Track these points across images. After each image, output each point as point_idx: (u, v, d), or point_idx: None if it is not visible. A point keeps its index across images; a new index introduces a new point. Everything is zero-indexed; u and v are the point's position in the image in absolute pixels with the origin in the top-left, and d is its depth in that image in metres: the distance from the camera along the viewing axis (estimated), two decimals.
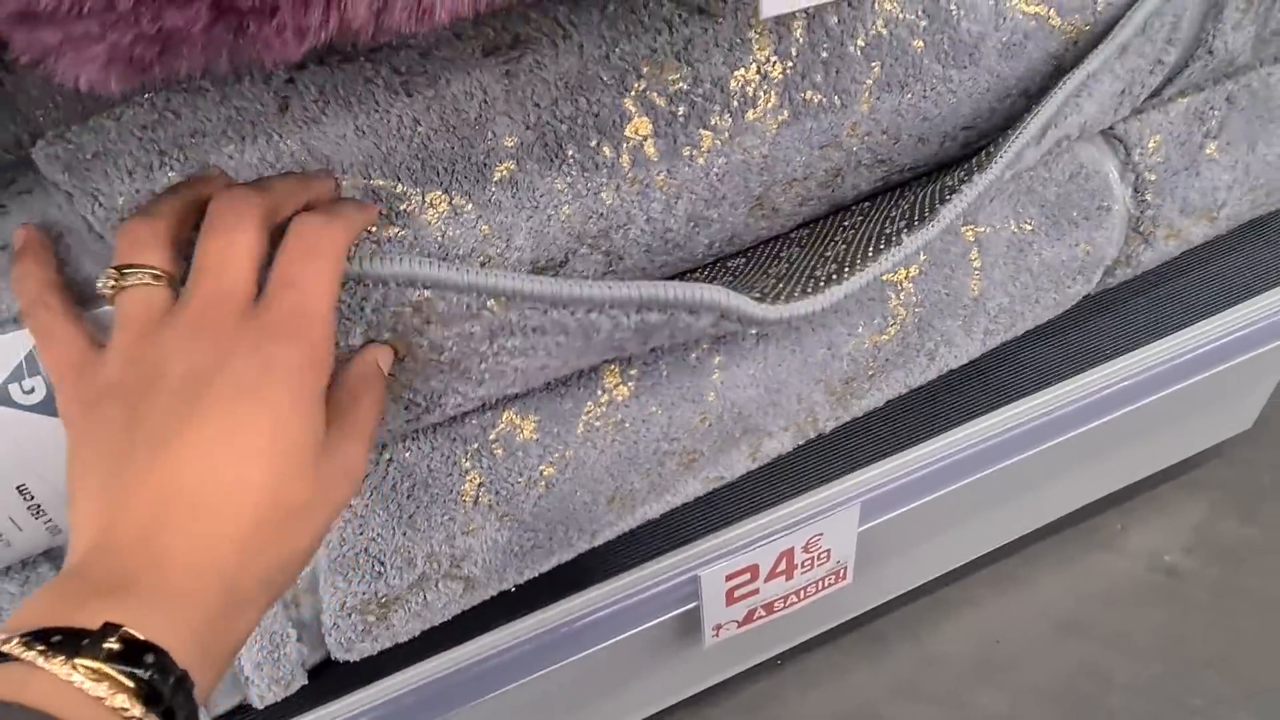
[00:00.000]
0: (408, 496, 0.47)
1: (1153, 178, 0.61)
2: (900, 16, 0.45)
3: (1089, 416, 0.69)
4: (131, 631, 0.25)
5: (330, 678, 0.53)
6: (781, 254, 0.52)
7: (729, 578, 0.59)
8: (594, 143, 0.41)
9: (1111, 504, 0.85)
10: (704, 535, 0.58)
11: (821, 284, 0.46)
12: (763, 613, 0.63)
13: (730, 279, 0.50)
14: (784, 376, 0.53)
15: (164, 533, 0.28)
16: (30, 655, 0.24)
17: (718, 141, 0.43)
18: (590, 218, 0.42)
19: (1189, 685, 0.74)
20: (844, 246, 0.50)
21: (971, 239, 0.56)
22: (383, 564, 0.47)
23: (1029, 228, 0.58)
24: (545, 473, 0.49)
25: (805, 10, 0.43)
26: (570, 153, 0.40)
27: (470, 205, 0.39)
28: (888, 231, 0.49)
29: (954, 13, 0.46)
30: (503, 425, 0.47)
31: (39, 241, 0.37)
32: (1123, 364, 0.68)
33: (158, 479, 0.29)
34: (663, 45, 0.41)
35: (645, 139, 0.42)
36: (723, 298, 0.42)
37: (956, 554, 0.79)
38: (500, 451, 0.48)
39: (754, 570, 0.59)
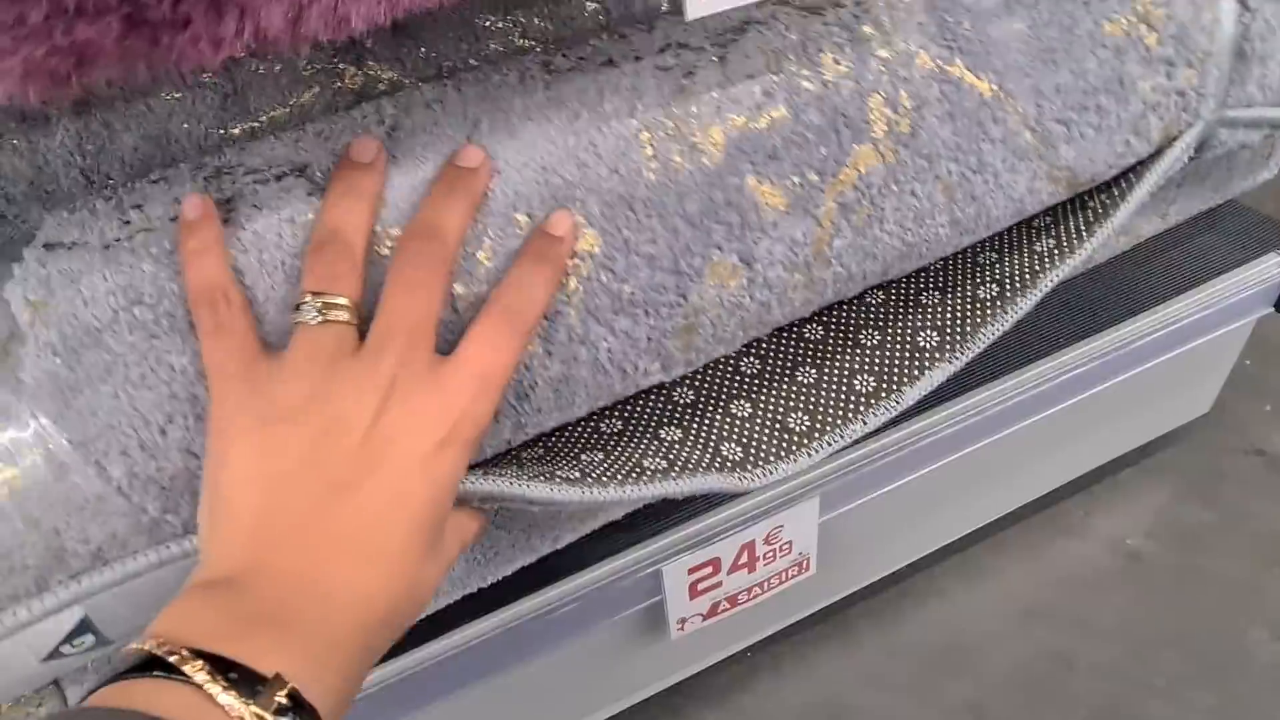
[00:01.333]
0: None
1: None
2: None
3: (1047, 403, 0.70)
4: (299, 690, 0.27)
5: None
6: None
7: (691, 571, 0.59)
8: None
9: (1075, 490, 0.86)
10: (665, 530, 0.59)
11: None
12: (727, 605, 0.63)
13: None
14: None
15: (334, 573, 0.30)
16: (211, 686, 0.25)
17: None
18: None
19: (1151, 666, 0.76)
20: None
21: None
22: None
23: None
24: None
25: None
26: None
27: None
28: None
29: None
30: None
31: (213, 216, 0.35)
32: (1078, 351, 0.68)
33: (335, 520, 0.30)
34: None
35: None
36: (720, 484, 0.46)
37: (922, 543, 0.80)
38: None
39: (716, 564, 0.60)
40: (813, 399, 0.51)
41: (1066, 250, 0.51)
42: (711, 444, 0.49)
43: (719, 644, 0.74)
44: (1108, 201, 0.52)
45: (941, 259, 0.54)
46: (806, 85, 0.43)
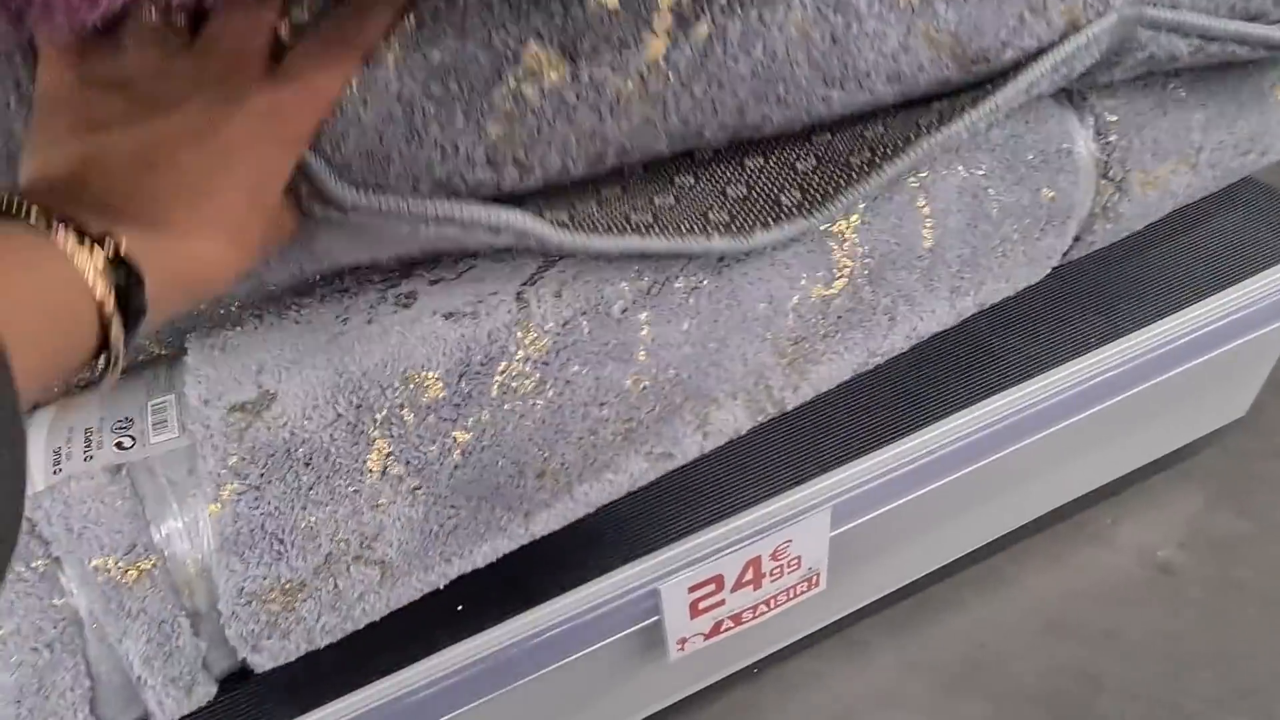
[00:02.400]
0: (305, 464, 0.43)
1: (1114, 118, 0.57)
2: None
3: (1074, 409, 0.66)
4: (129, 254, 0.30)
5: (262, 710, 0.49)
6: (675, 179, 0.49)
7: (692, 589, 0.55)
8: None
9: (1101, 497, 0.81)
10: (664, 545, 0.55)
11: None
12: (730, 624, 0.59)
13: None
14: (722, 333, 0.50)
15: (168, 164, 0.32)
16: (46, 231, 0.28)
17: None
18: None
19: (1183, 687, 0.71)
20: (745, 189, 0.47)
21: (915, 184, 0.53)
22: (281, 541, 0.43)
23: (981, 172, 0.54)
24: (459, 439, 0.45)
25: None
26: None
27: None
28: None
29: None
30: (410, 387, 0.44)
31: None
32: (1109, 353, 0.64)
33: (173, 131, 0.33)
34: None
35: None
36: (521, 222, 0.43)
37: (939, 554, 0.75)
38: (409, 416, 0.44)
39: (719, 581, 0.56)
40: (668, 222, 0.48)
41: (946, 119, 0.48)
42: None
43: (723, 662, 0.70)
44: (1001, 83, 0.49)
45: (827, 131, 0.50)
46: None
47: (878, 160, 0.49)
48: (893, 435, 0.60)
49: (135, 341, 0.32)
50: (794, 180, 0.49)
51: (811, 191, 0.49)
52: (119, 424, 0.45)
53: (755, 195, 0.49)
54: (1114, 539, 0.80)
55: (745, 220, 0.48)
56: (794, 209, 0.48)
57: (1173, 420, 0.78)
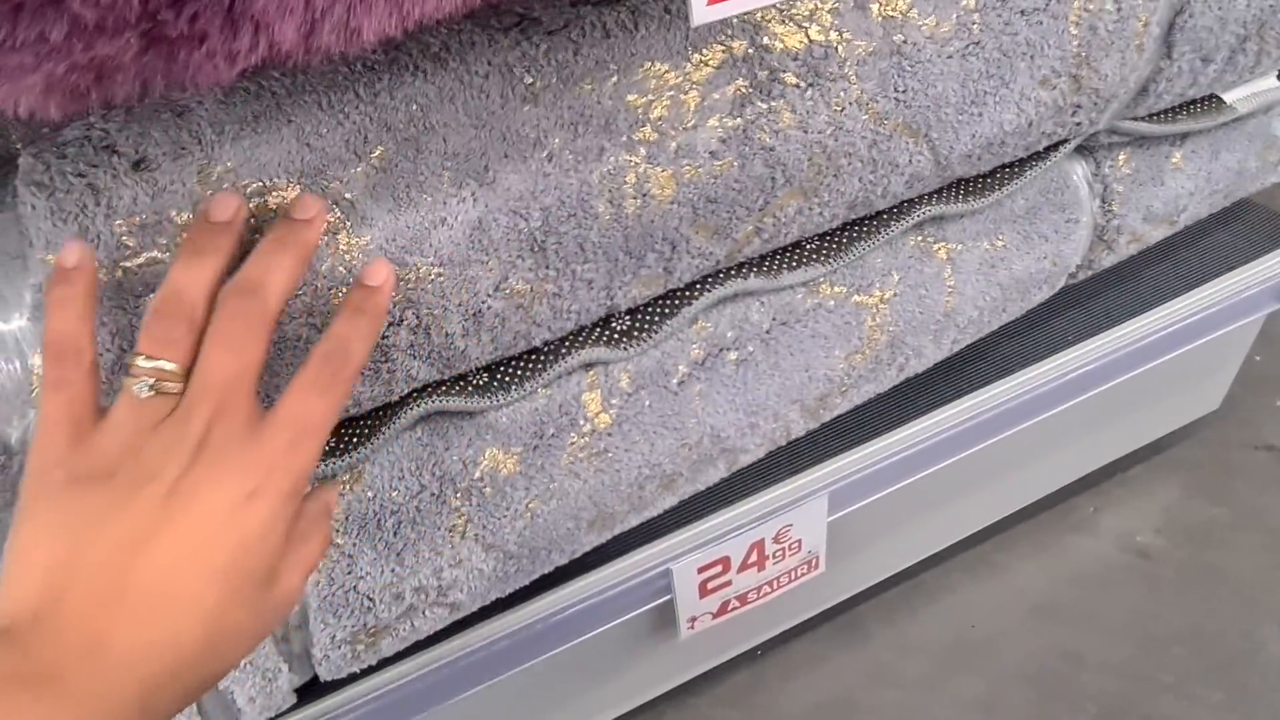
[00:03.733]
0: (395, 534, 0.47)
1: (1120, 190, 0.62)
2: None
3: (1055, 401, 0.70)
4: None
5: (312, 682, 0.54)
6: None
7: (701, 570, 0.59)
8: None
9: (1084, 487, 0.86)
10: (675, 529, 0.59)
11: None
12: (737, 604, 0.63)
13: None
14: (762, 399, 0.54)
15: (111, 625, 0.29)
16: None
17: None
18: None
19: (1160, 662, 0.76)
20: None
21: (945, 257, 0.57)
22: (372, 600, 0.48)
23: (1001, 243, 0.59)
24: (531, 506, 0.50)
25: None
26: None
27: None
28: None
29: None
30: (486, 463, 0.48)
31: (90, 269, 0.34)
32: (1087, 348, 0.69)
33: (126, 573, 0.30)
34: None
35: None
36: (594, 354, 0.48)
37: (931, 540, 0.80)
38: (489, 490, 0.48)
39: (725, 562, 0.60)
40: None
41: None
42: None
43: (729, 642, 0.75)
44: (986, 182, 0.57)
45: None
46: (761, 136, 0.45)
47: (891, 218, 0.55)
48: (885, 426, 0.64)
49: None
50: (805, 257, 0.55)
51: (831, 238, 0.54)
52: None
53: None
54: (1095, 526, 0.85)
55: (773, 263, 0.53)
56: (815, 254, 0.54)
57: (1150, 413, 0.83)
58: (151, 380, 0.33)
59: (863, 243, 0.54)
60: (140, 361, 0.33)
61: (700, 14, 0.32)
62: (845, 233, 0.54)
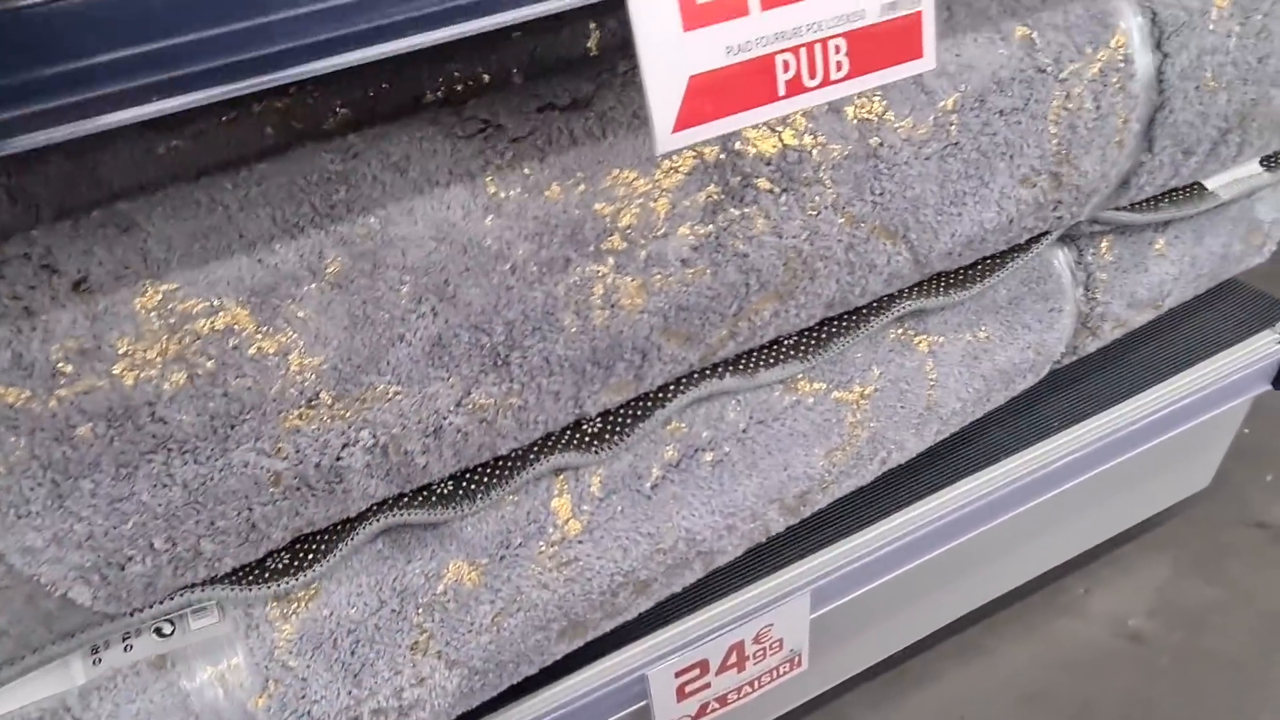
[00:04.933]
0: (352, 653, 0.45)
1: (1104, 277, 0.61)
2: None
3: (1043, 488, 0.68)
4: None
5: None
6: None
7: (678, 674, 0.57)
8: None
9: (1074, 568, 0.84)
10: (650, 632, 0.57)
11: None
12: (716, 706, 0.61)
13: None
14: (739, 500, 0.52)
15: None
16: None
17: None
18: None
19: None
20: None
21: (926, 350, 0.56)
22: None
23: (984, 335, 0.58)
24: (497, 619, 0.48)
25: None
26: None
27: None
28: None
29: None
30: (449, 575, 0.46)
31: None
32: (1075, 434, 0.67)
33: None
34: None
35: None
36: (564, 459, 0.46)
37: (917, 628, 0.78)
38: (452, 605, 0.46)
39: (704, 665, 0.58)
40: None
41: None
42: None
43: None
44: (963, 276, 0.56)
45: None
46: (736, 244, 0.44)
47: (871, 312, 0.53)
48: (869, 519, 0.63)
49: None
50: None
51: (809, 334, 0.53)
52: None
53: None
54: (1086, 609, 0.83)
55: (749, 361, 0.51)
56: (792, 350, 0.52)
57: (1140, 493, 0.82)
58: None
59: (842, 338, 0.53)
60: None
61: (664, 143, 0.31)
62: (824, 328, 0.53)
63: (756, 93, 0.32)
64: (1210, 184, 0.63)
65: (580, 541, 0.49)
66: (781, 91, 0.32)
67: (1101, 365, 0.70)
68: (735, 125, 0.32)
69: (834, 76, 0.33)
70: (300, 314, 0.37)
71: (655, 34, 0.29)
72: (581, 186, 0.40)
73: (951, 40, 0.46)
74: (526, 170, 0.40)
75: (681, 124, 0.31)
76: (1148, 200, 0.60)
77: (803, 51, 0.32)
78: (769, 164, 0.43)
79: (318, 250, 0.37)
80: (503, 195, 0.39)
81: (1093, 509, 0.78)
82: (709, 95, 0.31)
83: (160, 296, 0.35)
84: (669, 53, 0.30)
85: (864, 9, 0.32)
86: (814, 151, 0.43)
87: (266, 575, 0.43)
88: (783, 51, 0.31)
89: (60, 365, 0.34)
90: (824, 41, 0.32)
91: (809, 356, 0.52)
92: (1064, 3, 0.48)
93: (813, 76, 0.32)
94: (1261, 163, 0.64)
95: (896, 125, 0.45)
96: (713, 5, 0.30)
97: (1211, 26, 0.51)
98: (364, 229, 0.38)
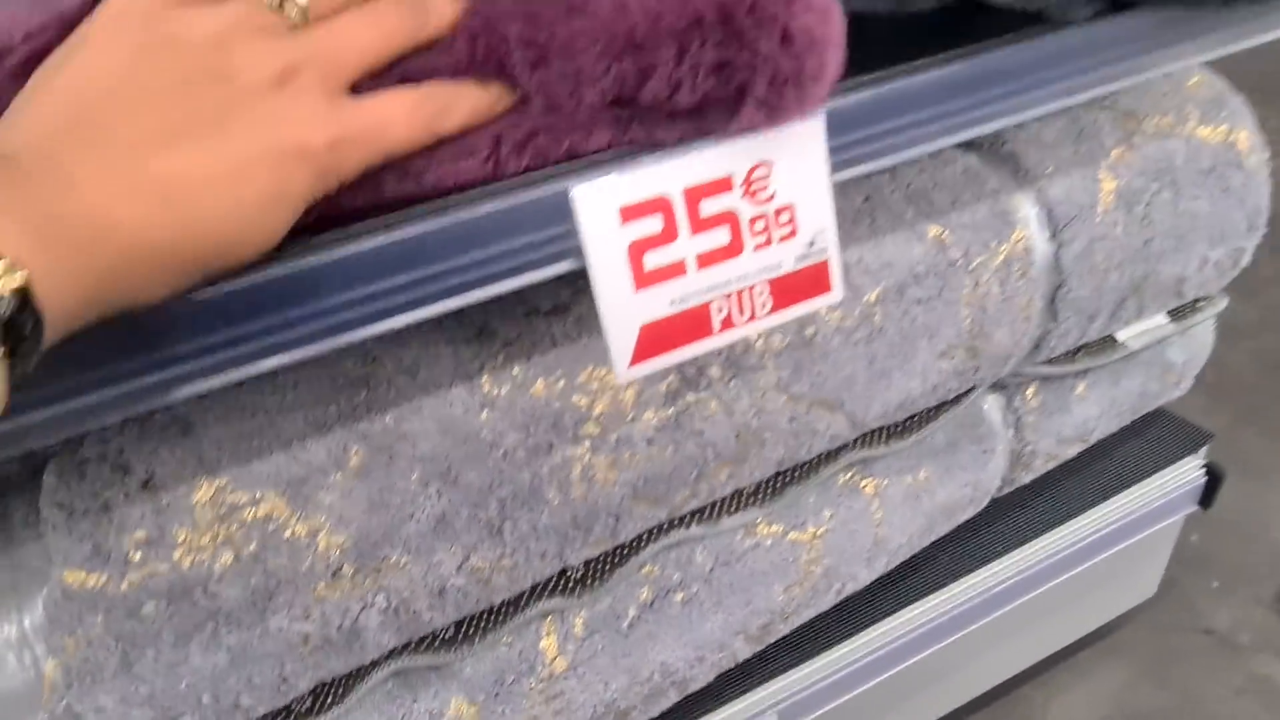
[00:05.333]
0: None
1: (1032, 420, 0.69)
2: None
3: (992, 607, 0.75)
4: (29, 285, 0.25)
5: None
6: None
7: None
8: None
9: (1033, 675, 0.90)
10: None
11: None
12: None
13: None
14: (708, 634, 0.59)
15: (100, 174, 0.28)
16: None
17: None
18: None
19: None
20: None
21: (872, 492, 0.63)
22: None
23: (924, 476, 0.65)
24: None
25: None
26: None
27: None
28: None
29: None
30: (451, 713, 0.52)
31: None
32: (1016, 557, 0.74)
33: (142, 154, 0.29)
34: None
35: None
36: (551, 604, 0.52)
37: None
38: None
39: None
40: None
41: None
42: None
43: None
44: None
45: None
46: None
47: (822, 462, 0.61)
48: (831, 640, 0.69)
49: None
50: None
51: (767, 484, 0.60)
52: None
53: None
54: (1046, 717, 0.88)
55: (713, 511, 0.58)
56: (751, 498, 0.59)
57: (1089, 604, 0.88)
58: None
59: (795, 486, 0.60)
60: None
61: (623, 376, 0.39)
62: (779, 479, 0.60)
63: (695, 331, 0.40)
64: (1121, 336, 0.71)
65: (566, 677, 0.55)
66: (716, 329, 0.40)
67: (1039, 492, 0.78)
68: (680, 358, 0.40)
69: (759, 314, 0.41)
70: (328, 500, 0.44)
71: (611, 294, 0.38)
72: (562, 382, 0.48)
73: (874, 241, 0.54)
74: (515, 370, 0.48)
75: (635, 360, 0.39)
76: (1064, 354, 0.68)
77: (733, 297, 0.40)
78: (719, 355, 0.51)
79: (343, 445, 0.45)
80: (496, 393, 0.47)
81: (1044, 621, 0.84)
82: (657, 338, 0.39)
83: (213, 491, 0.43)
84: (623, 308, 0.38)
85: (781, 261, 0.41)
86: (758, 343, 0.52)
87: (292, 718, 0.49)
88: (716, 299, 0.40)
89: (131, 554, 0.41)
90: (750, 288, 0.40)
91: (766, 503, 0.59)
92: (970, 204, 0.57)
93: (741, 315, 0.41)
94: (1168, 314, 0.72)
95: (828, 317, 0.53)
96: (658, 270, 0.38)
97: (1099, 218, 0.59)
98: (381, 426, 0.46)
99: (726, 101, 0.34)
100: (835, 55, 0.35)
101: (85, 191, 0.27)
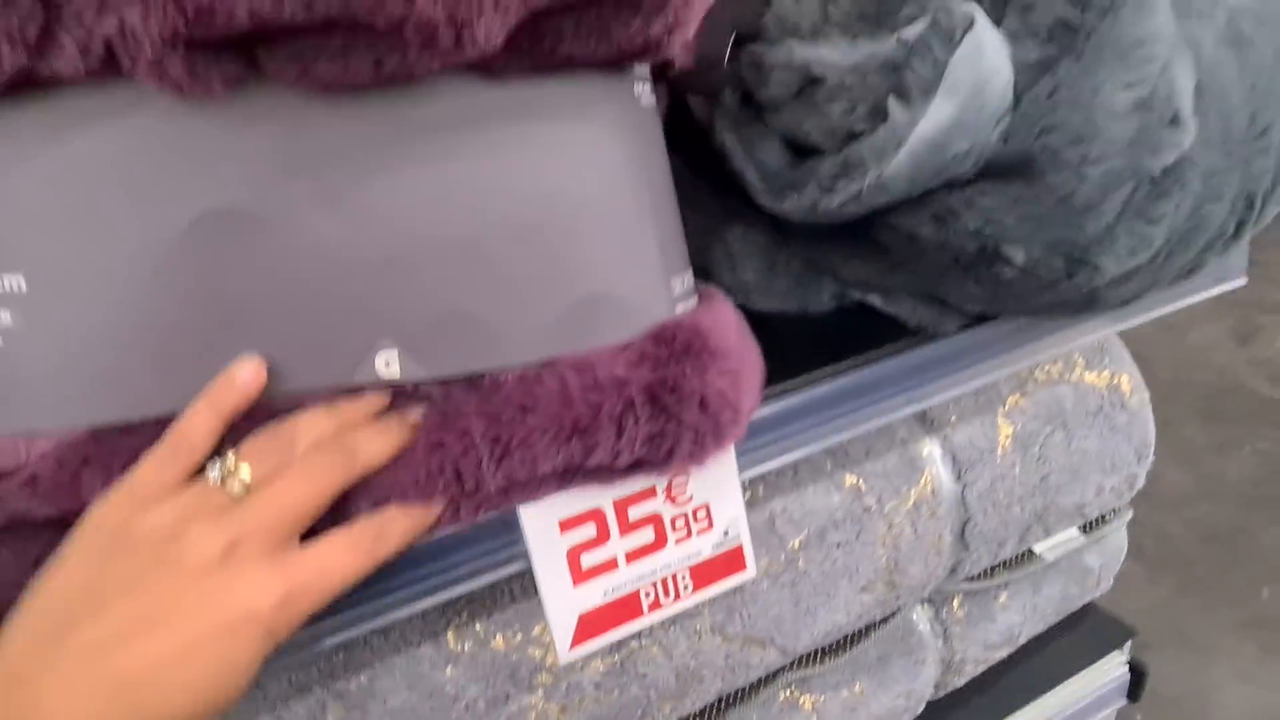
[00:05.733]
0: None
1: (959, 630, 0.75)
2: None
3: None
4: None
5: None
6: None
7: None
8: None
9: None
10: None
11: None
12: None
13: None
14: None
15: (46, 675, 0.32)
16: None
17: None
18: None
19: None
20: None
21: (810, 708, 0.69)
22: None
23: (859, 689, 0.71)
24: None
25: None
26: None
27: None
28: None
29: None
30: None
31: (251, 394, 0.37)
32: None
33: (105, 655, 0.32)
34: None
35: None
36: None
37: None
38: None
39: None
40: None
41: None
42: None
43: None
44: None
45: None
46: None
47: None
48: None
49: None
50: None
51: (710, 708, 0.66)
52: None
53: None
54: None
55: None
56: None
57: None
58: (224, 475, 0.36)
59: (737, 709, 0.66)
60: (229, 456, 0.37)
61: (565, 657, 0.45)
62: (721, 703, 0.66)
63: (627, 615, 0.47)
64: (1038, 548, 0.78)
65: None
66: (645, 610, 0.47)
67: (975, 692, 0.83)
68: (614, 638, 0.46)
69: (683, 595, 0.48)
70: None
71: (553, 589, 0.44)
72: (518, 636, 0.55)
73: (796, 493, 0.62)
74: (478, 627, 0.54)
75: (575, 643, 0.46)
76: (983, 571, 0.75)
77: (658, 584, 0.47)
78: (647, 626, 0.58)
79: (321, 704, 0.51)
80: (459, 649, 0.53)
81: None
82: (593, 623, 0.46)
83: None
84: (564, 601, 0.45)
85: (700, 549, 0.48)
86: None
87: None
88: (644, 586, 0.47)
89: None
90: (673, 575, 0.47)
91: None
92: (882, 454, 0.65)
93: (667, 597, 0.47)
94: (1079, 528, 0.80)
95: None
96: (593, 568, 0.45)
97: (999, 460, 0.67)
98: (355, 685, 0.52)
99: (657, 461, 0.41)
100: (750, 403, 0.43)
101: (50, 706, 0.31)
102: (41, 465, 0.37)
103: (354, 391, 0.39)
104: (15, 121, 0.33)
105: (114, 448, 0.38)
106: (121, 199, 0.34)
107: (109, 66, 0.30)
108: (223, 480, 0.36)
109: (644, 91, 0.44)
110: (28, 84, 0.31)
